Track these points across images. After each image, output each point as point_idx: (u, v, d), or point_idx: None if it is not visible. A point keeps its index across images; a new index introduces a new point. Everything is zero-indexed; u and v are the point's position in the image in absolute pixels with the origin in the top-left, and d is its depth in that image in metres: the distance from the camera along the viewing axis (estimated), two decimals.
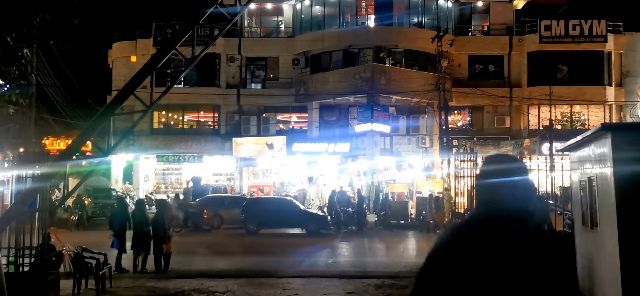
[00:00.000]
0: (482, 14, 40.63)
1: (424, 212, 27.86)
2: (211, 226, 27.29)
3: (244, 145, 38.54)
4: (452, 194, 21.94)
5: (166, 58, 10.99)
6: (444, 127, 31.89)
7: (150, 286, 14.00)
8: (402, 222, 27.91)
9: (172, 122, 41.30)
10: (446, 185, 28.58)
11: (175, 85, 19.38)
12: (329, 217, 27.61)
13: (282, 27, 41.22)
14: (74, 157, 11.18)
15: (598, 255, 9.82)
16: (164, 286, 13.99)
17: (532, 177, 13.55)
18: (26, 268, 11.21)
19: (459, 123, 39.48)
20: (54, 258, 12.33)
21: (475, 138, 36.46)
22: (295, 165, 38.42)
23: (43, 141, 38.35)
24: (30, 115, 32.57)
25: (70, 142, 18.28)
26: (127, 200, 26.09)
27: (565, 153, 12.33)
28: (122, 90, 10.95)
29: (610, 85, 37.73)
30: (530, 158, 13.54)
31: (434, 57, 34.38)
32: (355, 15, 39.28)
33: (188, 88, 39.47)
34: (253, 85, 40.43)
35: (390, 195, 31.44)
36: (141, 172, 40.21)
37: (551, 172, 12.48)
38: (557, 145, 23.97)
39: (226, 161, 39.86)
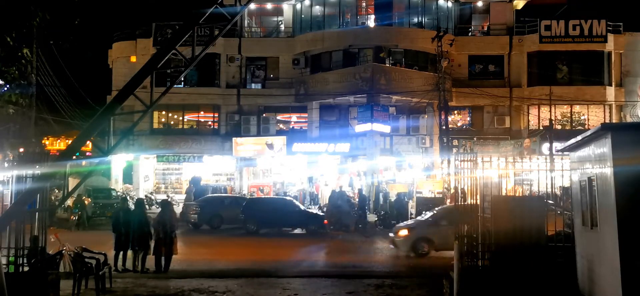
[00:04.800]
0: (482, 14, 40.61)
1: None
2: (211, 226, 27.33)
3: (244, 145, 38.53)
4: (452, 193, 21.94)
5: (166, 58, 10.99)
6: (444, 127, 31.90)
7: (150, 286, 14.01)
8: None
9: (172, 122, 41.30)
10: (446, 185, 28.62)
11: (175, 85, 19.42)
12: None
13: (282, 27, 41.21)
14: (74, 157, 11.17)
15: (598, 255, 9.82)
16: (164, 286, 13.99)
17: (532, 177, 13.54)
18: (26, 268, 11.22)
19: (459, 123, 39.48)
20: (50, 258, 12.32)
21: (475, 138, 36.46)
22: (295, 165, 38.42)
23: (43, 141, 38.34)
24: (30, 115, 32.59)
25: (70, 142, 18.27)
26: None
27: (565, 153, 12.32)
28: (122, 90, 10.94)
29: (610, 85, 37.73)
30: (530, 159, 13.53)
31: (434, 57, 34.39)
32: (355, 15, 39.27)
33: (188, 88, 39.47)
34: (253, 85, 40.43)
35: (390, 194, 31.45)
36: (141, 172, 40.20)
37: (551, 172, 12.46)
38: (557, 145, 23.95)
39: (226, 161, 39.85)
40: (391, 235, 19.97)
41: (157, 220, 16.30)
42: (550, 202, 12.56)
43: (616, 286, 8.62)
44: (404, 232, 19.59)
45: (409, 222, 21.21)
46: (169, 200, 21.93)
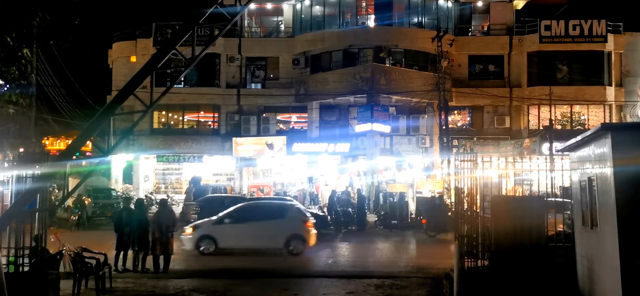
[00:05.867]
0: (482, 14, 40.61)
1: None
2: None
3: (244, 145, 38.53)
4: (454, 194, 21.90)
5: (166, 58, 11.00)
6: (444, 127, 31.91)
7: (150, 286, 14.02)
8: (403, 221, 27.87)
9: (172, 122, 41.30)
10: (446, 185, 28.60)
11: (175, 85, 19.40)
12: (329, 216, 27.61)
13: (282, 27, 41.20)
14: (74, 157, 11.18)
15: (598, 255, 9.82)
16: (164, 286, 14.00)
17: (532, 177, 13.54)
18: (26, 268, 11.22)
19: (459, 123, 39.48)
20: (51, 258, 12.32)
21: (475, 138, 36.46)
22: (295, 165, 38.42)
23: (43, 141, 38.34)
24: (30, 115, 32.59)
25: (70, 142, 18.28)
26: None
27: (565, 153, 12.32)
28: (122, 90, 10.95)
29: (610, 85, 37.72)
30: (530, 159, 13.53)
31: (434, 57, 34.39)
32: (355, 15, 39.27)
33: (188, 88, 39.47)
34: (253, 85, 40.43)
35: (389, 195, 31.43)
36: (141, 172, 40.20)
37: (551, 172, 12.46)
38: (557, 145, 23.96)
39: (226, 161, 39.85)
40: (181, 234, 19.63)
41: (153, 219, 16.31)
42: (552, 199, 12.53)
43: (616, 286, 8.62)
44: (189, 230, 19.51)
45: (198, 221, 21.06)
46: (168, 200, 21.94)
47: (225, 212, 20.47)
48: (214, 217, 20.27)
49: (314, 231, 19.79)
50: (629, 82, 38.18)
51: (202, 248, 18.91)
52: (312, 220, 20.15)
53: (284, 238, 19.05)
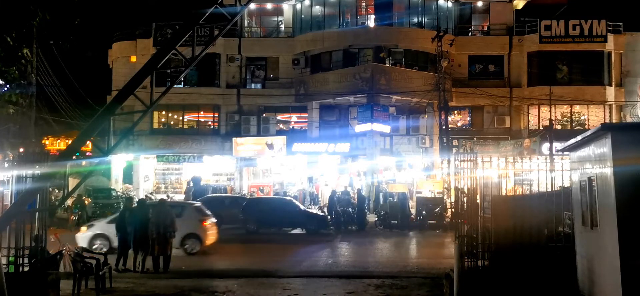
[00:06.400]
0: (482, 14, 40.60)
1: (424, 212, 27.87)
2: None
3: (244, 145, 38.53)
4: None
5: (166, 58, 11.00)
6: (444, 127, 31.91)
7: (150, 286, 14.03)
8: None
9: (172, 122, 41.29)
10: (446, 185, 28.60)
11: (175, 85, 19.40)
12: (329, 216, 27.63)
13: (282, 27, 41.21)
14: (74, 157, 11.18)
15: (598, 255, 9.81)
16: (164, 286, 14.01)
17: (532, 177, 13.54)
18: (26, 268, 11.23)
19: (459, 123, 39.48)
20: (50, 258, 12.32)
21: (475, 138, 36.45)
22: (295, 165, 38.42)
23: (43, 141, 38.34)
24: (30, 115, 32.59)
25: (70, 142, 18.28)
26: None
27: (565, 153, 12.32)
28: (122, 90, 10.95)
29: (610, 85, 37.73)
30: (530, 159, 13.53)
31: (434, 57, 34.39)
32: (355, 15, 39.27)
33: (188, 88, 39.47)
34: (253, 85, 40.43)
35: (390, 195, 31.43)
36: (141, 172, 40.18)
37: (551, 172, 12.45)
38: (557, 145, 23.95)
39: (226, 161, 39.84)
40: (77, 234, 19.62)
41: (152, 220, 16.31)
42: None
43: (616, 286, 8.61)
44: (83, 228, 19.74)
45: (93, 220, 21.07)
46: (166, 199, 21.94)
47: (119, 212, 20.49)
48: (110, 216, 20.33)
49: (212, 230, 19.71)
50: (629, 82, 38.19)
51: (95, 247, 18.55)
52: (211, 220, 20.04)
53: (179, 237, 18.74)
